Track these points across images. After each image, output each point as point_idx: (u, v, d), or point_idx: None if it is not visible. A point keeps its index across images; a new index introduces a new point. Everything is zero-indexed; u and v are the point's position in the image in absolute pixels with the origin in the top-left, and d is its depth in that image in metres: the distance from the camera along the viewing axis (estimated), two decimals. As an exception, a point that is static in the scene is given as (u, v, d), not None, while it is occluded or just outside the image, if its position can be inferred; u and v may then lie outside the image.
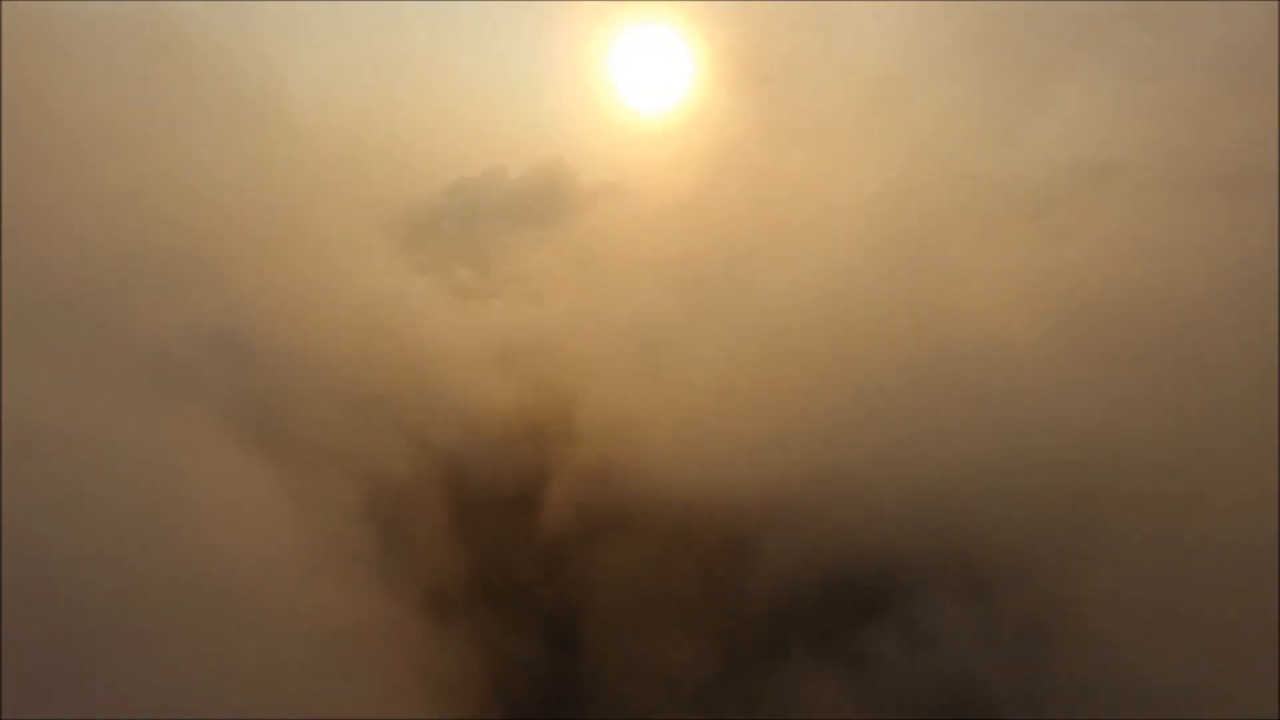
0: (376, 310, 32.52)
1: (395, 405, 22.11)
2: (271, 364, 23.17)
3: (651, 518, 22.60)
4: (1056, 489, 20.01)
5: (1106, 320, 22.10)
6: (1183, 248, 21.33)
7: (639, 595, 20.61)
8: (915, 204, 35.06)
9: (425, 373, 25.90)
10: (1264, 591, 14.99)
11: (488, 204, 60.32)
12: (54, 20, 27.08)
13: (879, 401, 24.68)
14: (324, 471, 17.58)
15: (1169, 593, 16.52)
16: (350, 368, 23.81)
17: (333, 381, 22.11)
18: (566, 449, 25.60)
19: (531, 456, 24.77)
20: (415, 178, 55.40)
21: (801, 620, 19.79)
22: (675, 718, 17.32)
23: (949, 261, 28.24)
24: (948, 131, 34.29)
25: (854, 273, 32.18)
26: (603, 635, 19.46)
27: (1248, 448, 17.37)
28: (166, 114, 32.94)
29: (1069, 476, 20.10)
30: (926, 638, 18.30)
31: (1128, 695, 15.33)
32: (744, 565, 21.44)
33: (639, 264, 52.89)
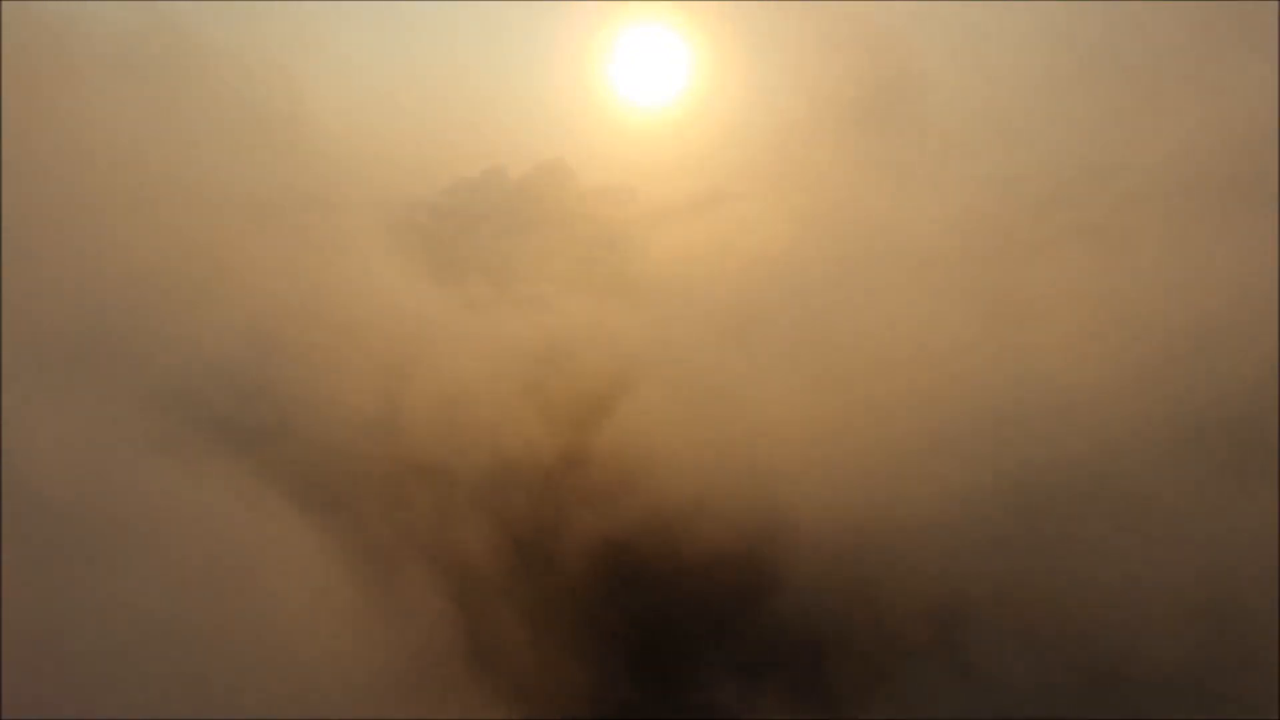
0: (403, 338, 30.74)
1: (457, 469, 20.32)
2: (306, 409, 21.27)
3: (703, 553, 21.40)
4: (1121, 531, 19.44)
5: (1192, 368, 21.39)
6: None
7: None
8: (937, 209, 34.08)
9: (463, 415, 24.16)
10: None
11: (505, 210, 58.51)
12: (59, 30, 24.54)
13: (932, 430, 23.75)
14: (400, 556, 15.78)
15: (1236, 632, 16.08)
16: (391, 413, 21.99)
17: (377, 436, 20.27)
18: (617, 495, 24.05)
19: (580, 507, 23.12)
20: (429, 183, 53.39)
21: (852, 658, 19.14)
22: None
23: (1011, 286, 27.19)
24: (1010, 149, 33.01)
25: (895, 287, 31.06)
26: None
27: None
28: (167, 117, 30.46)
29: (1135, 519, 19.57)
30: (982, 680, 17.62)
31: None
32: (788, 599, 20.63)
33: (655, 273, 51.55)
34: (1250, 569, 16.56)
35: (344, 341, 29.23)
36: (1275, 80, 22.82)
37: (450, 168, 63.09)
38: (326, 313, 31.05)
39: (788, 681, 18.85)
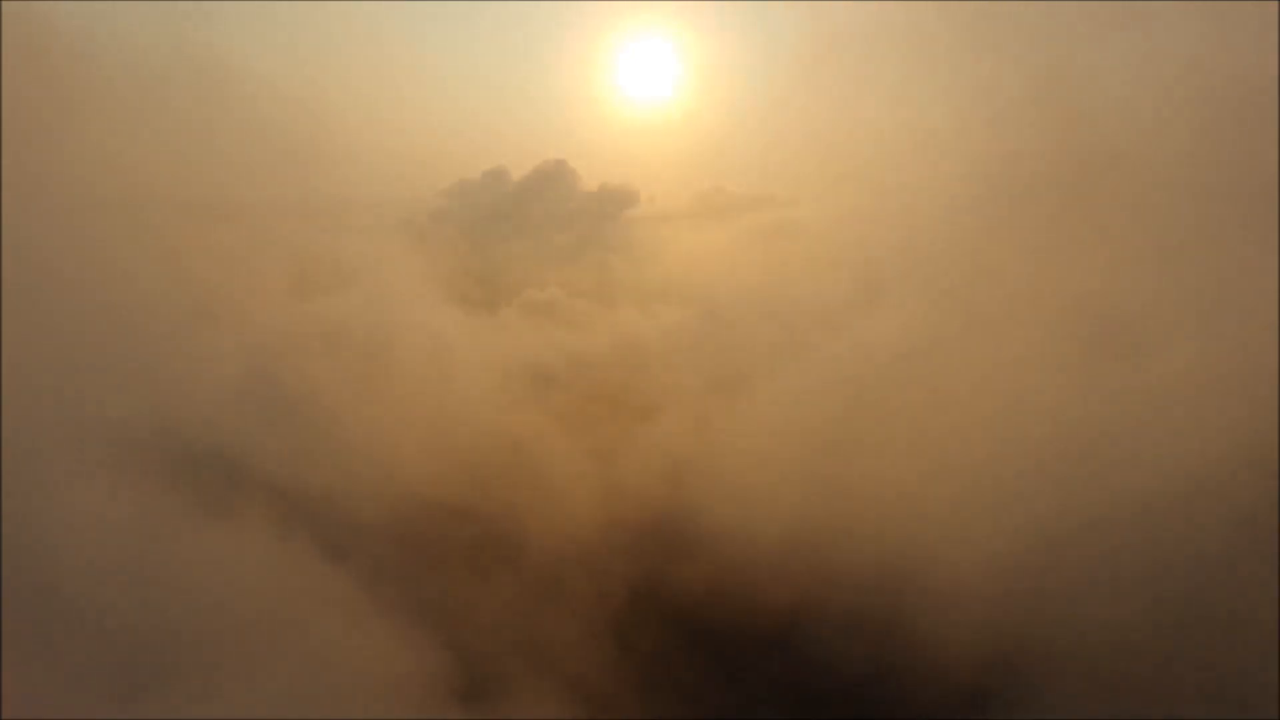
0: (425, 361, 28.61)
1: (527, 543, 18.23)
2: (349, 470, 19.15)
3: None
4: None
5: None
6: None
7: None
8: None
9: (515, 472, 22.13)
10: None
11: (520, 221, 56.77)
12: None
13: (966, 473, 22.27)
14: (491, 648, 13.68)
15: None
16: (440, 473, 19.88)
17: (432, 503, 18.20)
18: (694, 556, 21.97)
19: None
20: (438, 187, 51.08)
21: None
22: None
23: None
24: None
25: (917, 313, 29.31)
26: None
27: None
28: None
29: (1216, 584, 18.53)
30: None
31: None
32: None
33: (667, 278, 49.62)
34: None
35: (371, 370, 27.19)
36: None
37: (461, 171, 61.50)
38: (350, 337, 28.97)
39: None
